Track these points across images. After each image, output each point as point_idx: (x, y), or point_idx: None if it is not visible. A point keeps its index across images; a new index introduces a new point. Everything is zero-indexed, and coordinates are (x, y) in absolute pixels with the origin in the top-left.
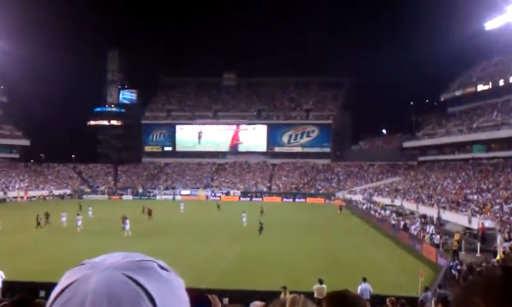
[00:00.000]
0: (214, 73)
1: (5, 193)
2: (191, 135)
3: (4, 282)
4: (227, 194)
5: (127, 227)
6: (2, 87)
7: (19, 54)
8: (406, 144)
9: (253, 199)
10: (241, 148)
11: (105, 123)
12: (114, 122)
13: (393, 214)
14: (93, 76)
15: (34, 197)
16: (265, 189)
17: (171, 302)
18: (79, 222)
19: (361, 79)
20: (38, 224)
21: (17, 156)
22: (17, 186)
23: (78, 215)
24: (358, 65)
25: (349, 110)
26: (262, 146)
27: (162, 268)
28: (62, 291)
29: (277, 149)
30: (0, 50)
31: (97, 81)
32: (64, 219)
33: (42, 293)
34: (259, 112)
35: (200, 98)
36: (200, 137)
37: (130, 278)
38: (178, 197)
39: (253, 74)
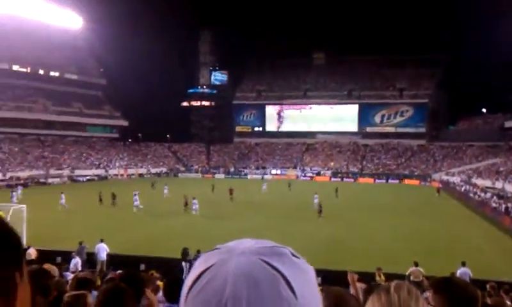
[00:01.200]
0: (303, 52)
1: (106, 171)
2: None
3: (108, 255)
4: (318, 174)
5: (195, 206)
6: (101, 70)
7: (116, 38)
8: (508, 124)
9: (345, 179)
10: (331, 128)
11: (198, 103)
12: (206, 103)
13: (494, 197)
14: (186, 58)
15: (133, 174)
16: (356, 170)
17: (306, 288)
18: (136, 203)
19: (459, 56)
20: (100, 200)
21: (117, 136)
22: (117, 164)
23: (135, 194)
24: (457, 41)
25: (446, 89)
26: (353, 126)
27: (293, 255)
28: (201, 274)
29: (369, 129)
30: (99, 34)
31: (190, 63)
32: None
33: (142, 266)
34: (350, 92)
35: (289, 79)
36: (280, 118)
37: (267, 262)
38: (268, 177)
39: (343, 53)
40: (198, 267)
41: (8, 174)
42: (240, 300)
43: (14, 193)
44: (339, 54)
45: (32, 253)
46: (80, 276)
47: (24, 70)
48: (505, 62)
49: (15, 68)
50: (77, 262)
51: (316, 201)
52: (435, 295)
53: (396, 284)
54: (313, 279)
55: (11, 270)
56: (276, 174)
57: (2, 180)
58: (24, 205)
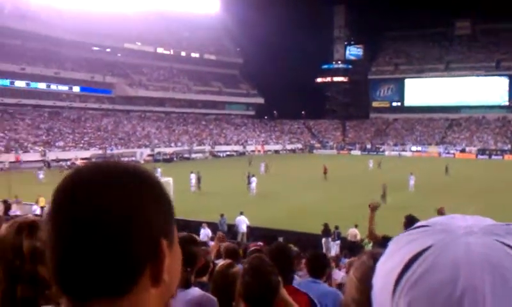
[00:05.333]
0: (443, 22)
1: (244, 147)
2: (420, 90)
3: (248, 227)
4: (462, 151)
5: (253, 185)
6: (238, 49)
7: (250, 17)
8: None
9: (492, 157)
10: (477, 103)
11: (333, 79)
12: (341, 78)
13: None
14: (320, 33)
15: (269, 151)
16: (506, 147)
17: None
18: (192, 182)
19: None
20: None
21: (253, 113)
22: (254, 141)
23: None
24: None
25: None
26: (502, 100)
27: None
28: (412, 260)
29: None
30: (234, 15)
31: (324, 38)
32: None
33: (280, 240)
34: (499, 63)
35: (429, 50)
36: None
37: (508, 245)
38: (406, 154)
39: (490, 20)
40: (402, 250)
41: (156, 150)
42: (482, 294)
43: (159, 169)
44: (485, 21)
45: None
46: (231, 247)
47: (168, 52)
48: None
49: (160, 51)
50: (207, 233)
51: (412, 182)
52: None
53: None
54: None
55: (158, 236)
56: (417, 151)
57: (150, 155)
58: (171, 178)
